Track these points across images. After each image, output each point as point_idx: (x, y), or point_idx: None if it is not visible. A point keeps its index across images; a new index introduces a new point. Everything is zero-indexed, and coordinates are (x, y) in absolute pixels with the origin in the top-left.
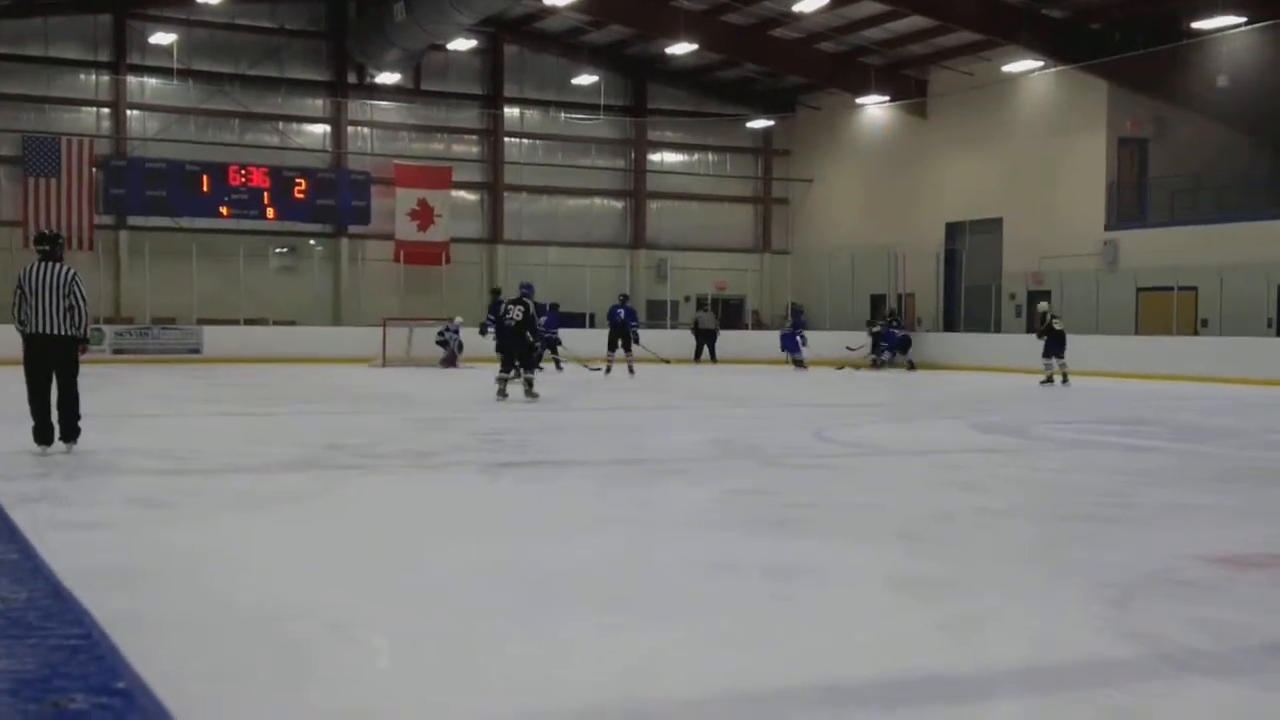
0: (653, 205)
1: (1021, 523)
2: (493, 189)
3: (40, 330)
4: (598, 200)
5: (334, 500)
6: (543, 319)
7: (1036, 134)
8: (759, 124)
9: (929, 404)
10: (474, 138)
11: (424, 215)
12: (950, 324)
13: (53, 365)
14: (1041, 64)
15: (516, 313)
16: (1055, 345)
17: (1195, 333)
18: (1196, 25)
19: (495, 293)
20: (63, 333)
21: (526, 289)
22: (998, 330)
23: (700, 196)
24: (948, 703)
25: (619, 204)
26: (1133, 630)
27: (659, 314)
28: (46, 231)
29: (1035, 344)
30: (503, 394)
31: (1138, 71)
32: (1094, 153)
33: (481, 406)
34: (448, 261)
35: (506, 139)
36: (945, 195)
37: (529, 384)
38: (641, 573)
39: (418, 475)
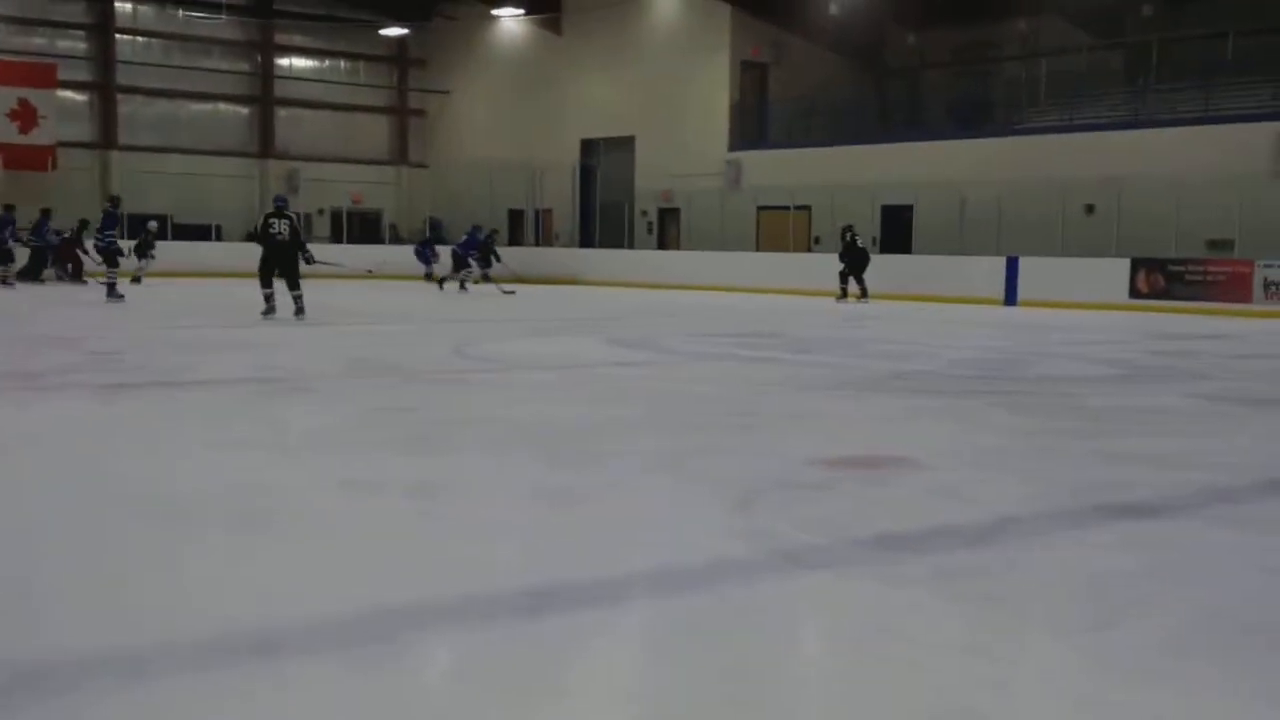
0: (282, 113)
1: (653, 432)
2: (104, 90)
3: None
4: (221, 105)
5: None
6: (463, 238)
7: (665, 55)
8: (393, 32)
9: (566, 319)
10: (80, 33)
11: (26, 116)
12: (586, 240)
13: None
14: None
15: (283, 227)
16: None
17: (809, 249)
18: None
19: (113, 201)
20: None
21: (283, 202)
22: (631, 246)
23: (333, 105)
24: (589, 606)
25: (245, 110)
26: (750, 530)
27: None
28: None
29: (662, 257)
30: (271, 310)
31: None
32: (718, 75)
33: (101, 325)
34: (54, 167)
35: (119, 36)
36: (581, 112)
37: (298, 300)
38: (276, 494)
39: (24, 398)
